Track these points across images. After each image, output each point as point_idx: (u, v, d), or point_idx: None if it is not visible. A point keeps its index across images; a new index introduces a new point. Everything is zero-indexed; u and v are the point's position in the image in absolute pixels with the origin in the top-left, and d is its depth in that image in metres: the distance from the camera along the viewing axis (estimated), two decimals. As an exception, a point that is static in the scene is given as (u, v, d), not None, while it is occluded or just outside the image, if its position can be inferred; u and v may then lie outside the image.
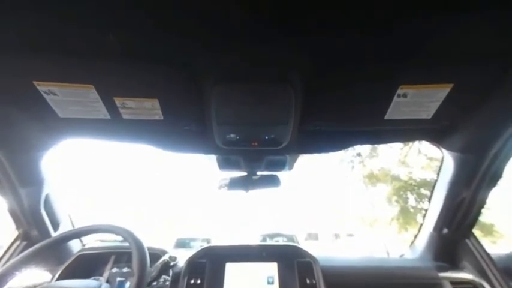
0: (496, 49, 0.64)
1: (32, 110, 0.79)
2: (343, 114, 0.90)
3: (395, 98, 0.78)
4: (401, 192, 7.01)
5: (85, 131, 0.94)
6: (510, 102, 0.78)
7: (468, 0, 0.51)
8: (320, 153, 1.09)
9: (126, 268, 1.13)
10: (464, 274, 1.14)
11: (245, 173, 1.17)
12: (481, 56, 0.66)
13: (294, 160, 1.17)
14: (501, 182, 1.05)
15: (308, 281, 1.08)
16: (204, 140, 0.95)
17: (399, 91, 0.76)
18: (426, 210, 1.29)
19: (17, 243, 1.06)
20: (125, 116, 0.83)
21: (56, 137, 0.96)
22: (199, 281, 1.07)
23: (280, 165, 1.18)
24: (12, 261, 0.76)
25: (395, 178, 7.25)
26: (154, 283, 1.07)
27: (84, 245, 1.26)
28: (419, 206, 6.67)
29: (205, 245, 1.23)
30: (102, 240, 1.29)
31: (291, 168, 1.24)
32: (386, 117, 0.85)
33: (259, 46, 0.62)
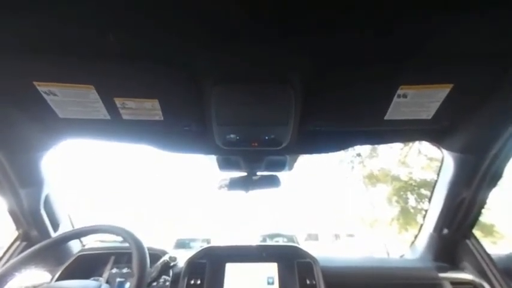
0: (496, 49, 0.64)
1: (32, 110, 0.79)
2: (343, 114, 0.90)
3: (395, 98, 0.78)
4: (402, 193, 7.01)
5: (85, 132, 0.94)
6: (510, 102, 0.78)
7: (468, 0, 0.51)
8: (320, 153, 1.08)
9: (126, 268, 1.13)
10: (464, 274, 1.14)
11: (245, 173, 1.17)
12: (481, 56, 0.66)
13: (294, 160, 1.17)
14: (501, 182, 1.05)
15: (308, 282, 1.08)
16: (204, 140, 0.95)
17: (399, 91, 0.76)
18: (426, 211, 1.29)
19: (17, 243, 1.06)
20: (125, 117, 0.83)
21: (56, 138, 0.96)
22: (199, 282, 1.07)
23: (280, 166, 1.18)
24: (11, 261, 0.76)
25: (396, 178, 7.25)
26: (154, 283, 1.07)
27: (84, 246, 1.25)
28: (419, 207, 6.66)
29: (205, 245, 1.23)
30: (102, 241, 1.29)
31: (291, 168, 1.24)
32: (386, 118, 0.85)
33: (259, 46, 0.62)
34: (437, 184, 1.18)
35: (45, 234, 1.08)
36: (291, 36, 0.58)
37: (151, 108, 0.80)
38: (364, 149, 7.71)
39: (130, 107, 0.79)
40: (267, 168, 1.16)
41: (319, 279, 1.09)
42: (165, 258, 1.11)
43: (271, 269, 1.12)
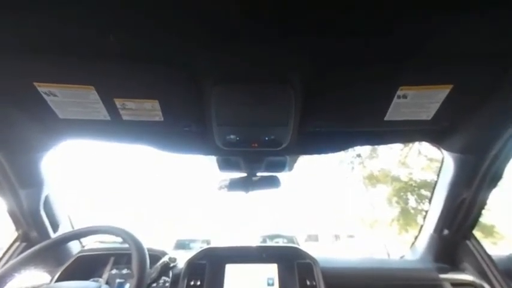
0: (496, 49, 0.64)
1: (32, 111, 0.79)
2: (343, 115, 0.90)
3: (395, 99, 0.78)
4: (402, 193, 7.00)
5: (85, 132, 0.94)
6: (510, 102, 0.78)
7: (468, 0, 0.51)
8: (320, 154, 1.08)
9: (125, 269, 1.12)
10: (464, 275, 1.13)
11: (245, 174, 1.17)
12: (481, 57, 0.66)
13: (294, 161, 1.17)
14: (501, 183, 1.05)
15: (308, 283, 1.08)
16: (204, 141, 0.95)
17: (399, 92, 0.76)
18: (426, 212, 1.28)
19: (17, 244, 1.06)
20: (125, 117, 0.82)
21: (56, 138, 0.96)
22: (199, 283, 1.07)
23: (280, 166, 1.18)
24: (11, 262, 0.75)
25: (396, 179, 7.24)
26: (154, 284, 1.06)
27: (83, 246, 1.25)
28: (419, 207, 6.66)
29: (205, 246, 1.23)
30: (101, 242, 1.28)
31: (291, 169, 1.24)
32: (386, 118, 0.85)
33: (259, 46, 0.62)
34: (437, 185, 1.18)
35: (45, 235, 1.08)
36: (291, 36, 0.58)
37: (151, 109, 0.80)
38: (364, 149, 7.70)
39: (130, 108, 0.79)
40: (267, 169, 1.16)
41: (319, 280, 1.08)
42: (165, 259, 1.10)
43: (271, 270, 1.12)
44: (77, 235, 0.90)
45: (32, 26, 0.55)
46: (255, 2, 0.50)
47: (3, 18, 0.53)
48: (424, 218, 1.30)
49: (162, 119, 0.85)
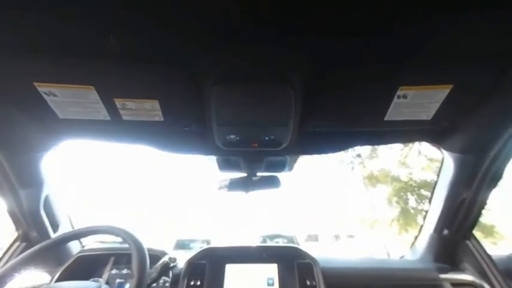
0: (496, 49, 0.64)
1: (32, 111, 0.79)
2: (343, 115, 0.90)
3: (395, 99, 0.78)
4: (402, 193, 7.00)
5: (85, 132, 0.94)
6: (510, 102, 0.78)
7: (468, 0, 0.51)
8: (320, 154, 1.08)
9: (125, 269, 1.12)
10: (464, 275, 1.13)
11: (245, 174, 1.17)
12: (481, 57, 0.66)
13: (294, 161, 1.17)
14: (501, 183, 1.05)
15: (308, 283, 1.08)
16: (204, 141, 0.95)
17: (399, 92, 0.76)
18: (426, 211, 1.28)
19: (17, 244, 1.06)
20: (125, 117, 0.83)
21: (56, 138, 0.96)
22: (199, 283, 1.07)
23: (280, 166, 1.18)
24: (11, 262, 0.75)
25: (396, 179, 7.24)
26: (154, 284, 1.06)
27: (83, 246, 1.25)
28: (419, 207, 6.66)
29: (205, 246, 1.23)
30: (101, 242, 1.28)
31: (291, 169, 1.24)
32: (386, 118, 0.85)
33: (259, 46, 0.62)
34: (437, 185, 1.18)
35: (45, 235, 1.08)
36: (291, 36, 0.58)
37: (151, 109, 0.80)
38: (364, 149, 7.70)
39: (131, 108, 0.79)
40: (267, 169, 1.16)
41: (319, 280, 1.08)
42: (165, 259, 1.10)
43: (271, 270, 1.12)
44: (77, 235, 0.90)
45: (32, 26, 0.55)
46: (255, 2, 0.50)
47: (3, 18, 0.53)
48: (424, 218, 1.30)
49: (162, 119, 0.85)
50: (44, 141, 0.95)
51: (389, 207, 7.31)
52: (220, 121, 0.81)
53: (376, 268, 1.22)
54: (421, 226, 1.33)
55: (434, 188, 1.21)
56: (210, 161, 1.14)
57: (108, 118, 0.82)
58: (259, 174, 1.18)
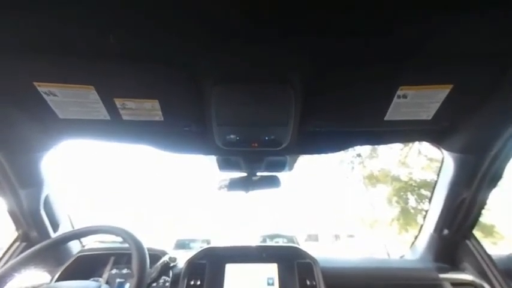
0: (496, 49, 0.64)
1: (32, 111, 0.79)
2: (343, 115, 0.90)
3: (395, 99, 0.78)
4: (402, 193, 7.00)
5: (85, 132, 0.94)
6: (510, 102, 0.78)
7: (468, 0, 0.51)
8: (320, 154, 1.08)
9: (125, 269, 1.12)
10: (464, 275, 1.14)
11: (245, 174, 1.17)
12: (481, 57, 0.66)
13: (294, 161, 1.17)
14: (501, 183, 1.05)
15: (308, 282, 1.08)
16: (204, 140, 0.95)
17: (399, 92, 0.76)
18: (426, 211, 1.29)
19: (17, 244, 1.06)
20: (125, 117, 0.82)
21: (56, 138, 0.96)
22: (199, 282, 1.07)
23: (280, 166, 1.18)
24: (11, 262, 0.76)
25: (396, 179, 7.24)
26: (154, 284, 1.06)
27: (83, 246, 1.25)
28: (419, 207, 6.66)
29: (205, 246, 1.23)
30: (101, 241, 1.28)
31: (291, 169, 1.24)
32: (386, 118, 0.85)
33: (259, 46, 0.62)
34: (437, 184, 1.18)
35: (45, 234, 1.08)
36: (291, 36, 0.58)
37: (151, 109, 0.80)
38: (364, 149, 7.71)
39: (130, 108, 0.79)
40: (267, 169, 1.16)
41: (319, 280, 1.08)
42: (165, 258, 1.11)
43: (271, 270, 1.12)
44: (77, 235, 0.90)
45: (32, 25, 0.55)
46: (255, 2, 0.50)
47: (3, 18, 0.53)
48: (424, 217, 1.30)
49: (162, 119, 0.85)
50: (44, 141, 0.95)
51: (389, 207, 7.31)
52: (220, 121, 0.81)
53: (376, 268, 1.22)
54: (421, 226, 1.33)
55: (434, 187, 1.21)
56: (210, 161, 1.14)
57: (108, 118, 0.82)
58: (259, 174, 1.18)
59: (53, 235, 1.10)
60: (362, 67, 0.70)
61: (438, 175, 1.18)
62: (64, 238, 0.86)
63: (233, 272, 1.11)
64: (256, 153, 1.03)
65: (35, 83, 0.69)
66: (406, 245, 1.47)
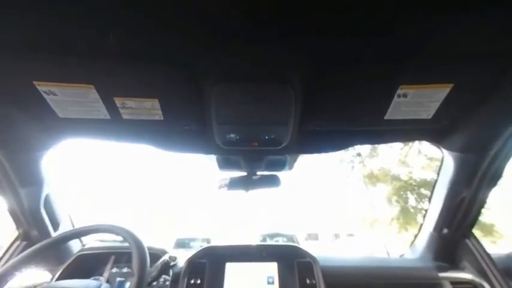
0: (496, 49, 0.64)
1: (31, 110, 0.79)
2: (343, 114, 0.90)
3: (395, 98, 0.78)
4: (402, 192, 7.02)
5: (85, 131, 0.94)
6: (510, 102, 0.78)
7: (468, 0, 0.51)
8: (320, 153, 1.08)
9: (126, 268, 1.13)
10: (464, 274, 1.14)
11: (245, 173, 1.17)
12: (481, 56, 0.66)
13: (294, 160, 1.17)
14: (501, 182, 1.05)
15: (308, 281, 1.08)
16: (204, 140, 0.95)
17: (399, 91, 0.76)
18: (426, 210, 1.29)
19: (17, 243, 1.06)
20: (125, 116, 0.82)
21: (55, 137, 0.96)
22: (199, 281, 1.07)
23: (280, 165, 1.18)
24: (12, 261, 0.76)
25: (396, 178, 7.25)
26: (155, 283, 1.07)
27: (84, 245, 1.26)
28: (419, 206, 6.67)
29: (205, 245, 1.23)
30: (102, 240, 1.29)
31: (291, 168, 1.24)
32: (386, 117, 0.85)
33: (259, 46, 0.62)
34: (437, 184, 1.18)
35: (45, 233, 1.08)
36: (290, 36, 0.58)
37: (151, 108, 0.80)
38: (364, 148, 7.72)
39: (130, 107, 0.79)
40: (267, 168, 1.16)
41: (319, 279, 1.09)
42: (165, 257, 1.11)
43: (271, 269, 1.13)
44: (78, 234, 0.90)
45: (31, 25, 0.55)
46: (255, 2, 0.50)
47: (3, 18, 0.53)
48: (424, 216, 1.30)
49: (162, 118, 0.85)
50: (43, 140, 0.95)
51: (389, 206, 7.33)
52: (220, 120, 0.81)
53: (376, 267, 1.22)
54: (421, 225, 1.33)
55: (434, 187, 1.21)
56: (210, 160, 1.14)
57: (108, 117, 0.82)
58: (259, 173, 1.18)
59: (54, 234, 1.11)
60: (362, 67, 0.70)
61: (438, 174, 1.18)
62: (64, 237, 0.86)
63: (233, 271, 1.12)
64: (256, 152, 1.03)
65: (35, 82, 0.69)
66: (406, 244, 1.47)
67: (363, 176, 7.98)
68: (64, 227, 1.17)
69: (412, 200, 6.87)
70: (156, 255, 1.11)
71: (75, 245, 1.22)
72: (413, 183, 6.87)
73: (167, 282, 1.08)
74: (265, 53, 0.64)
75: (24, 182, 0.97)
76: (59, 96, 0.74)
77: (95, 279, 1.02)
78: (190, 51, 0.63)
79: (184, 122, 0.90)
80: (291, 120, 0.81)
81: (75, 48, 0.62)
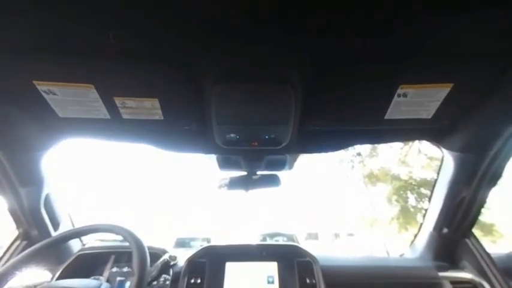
0: (496, 49, 0.64)
1: (31, 109, 0.79)
2: (343, 114, 0.90)
3: (395, 98, 0.78)
4: (401, 192, 7.02)
5: (85, 131, 0.94)
6: (510, 102, 0.78)
7: (468, 0, 0.51)
8: (320, 152, 1.08)
9: (126, 268, 1.13)
10: (464, 274, 1.14)
11: (245, 173, 1.17)
12: (481, 56, 0.66)
13: (294, 160, 1.17)
14: (501, 182, 1.05)
15: (308, 281, 1.09)
16: (204, 139, 0.95)
17: (399, 91, 0.76)
18: (426, 210, 1.29)
19: (17, 242, 1.06)
20: (124, 116, 0.82)
21: (55, 137, 0.96)
22: (199, 281, 1.07)
23: (280, 165, 1.18)
24: (12, 260, 0.76)
25: (396, 178, 7.26)
26: (155, 282, 1.07)
27: (84, 245, 1.26)
28: (419, 206, 6.68)
29: (205, 244, 1.24)
30: (102, 240, 1.29)
31: (291, 167, 1.24)
32: (386, 117, 0.85)
33: (259, 46, 0.62)
34: (437, 183, 1.18)
35: (46, 233, 1.08)
36: (291, 35, 0.58)
37: (151, 108, 0.80)
38: (364, 148, 7.72)
39: (130, 106, 0.79)
40: (267, 168, 1.16)
41: (319, 278, 1.09)
42: (165, 257, 1.11)
43: (271, 268, 1.13)
44: (78, 233, 0.90)
45: (32, 24, 0.55)
46: (255, 1, 0.50)
47: (3, 17, 0.53)
48: (424, 216, 1.30)
49: (162, 118, 0.85)
50: (43, 140, 0.95)
51: (389, 205, 7.33)
52: (220, 120, 0.81)
53: (376, 266, 1.22)
54: (421, 224, 1.33)
55: (434, 186, 1.21)
56: (210, 160, 1.14)
57: (108, 117, 0.82)
58: (259, 172, 1.18)
59: (54, 234, 1.11)
60: (362, 66, 0.70)
61: (438, 174, 1.18)
62: (65, 237, 0.86)
63: (233, 271, 1.12)
64: (256, 152, 1.03)
65: (35, 82, 0.69)
66: (406, 243, 1.47)
67: (363, 175, 7.98)
68: (64, 227, 1.17)
69: (412, 199, 6.88)
70: (156, 254, 1.11)
71: (75, 245, 1.22)
72: (413, 183, 6.87)
73: (167, 282, 1.08)
74: (265, 53, 0.64)
75: (24, 181, 0.97)
76: (59, 95, 0.74)
77: (95, 278, 1.02)
78: (190, 51, 0.63)
79: (184, 121, 0.90)
80: (291, 120, 0.81)
81: (75, 47, 0.62)
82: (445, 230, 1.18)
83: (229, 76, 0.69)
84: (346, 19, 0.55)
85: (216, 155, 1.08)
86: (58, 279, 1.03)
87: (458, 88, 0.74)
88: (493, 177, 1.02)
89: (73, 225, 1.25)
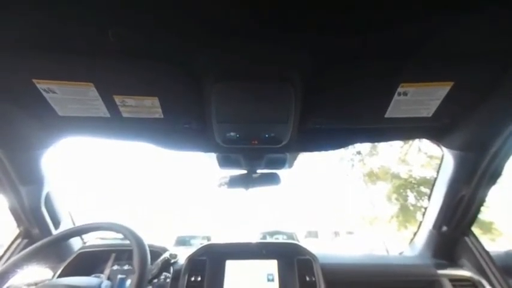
0: (496, 48, 0.64)
1: (31, 108, 0.79)
2: (343, 112, 0.89)
3: (395, 96, 0.78)
4: (401, 190, 7.02)
5: (85, 129, 0.94)
6: (510, 100, 0.78)
7: (468, 0, 0.51)
8: (320, 151, 1.09)
9: (127, 265, 1.13)
10: (463, 271, 1.14)
11: (245, 171, 1.17)
12: (481, 55, 0.66)
13: (294, 158, 1.17)
14: (501, 180, 1.05)
15: (308, 279, 1.09)
16: (204, 138, 0.95)
17: (399, 89, 0.76)
18: (426, 208, 1.29)
19: (18, 241, 1.07)
20: (124, 114, 0.82)
21: (55, 136, 0.96)
22: (199, 279, 1.08)
23: (280, 163, 1.18)
24: (13, 258, 0.76)
25: (395, 176, 7.26)
26: (155, 280, 1.07)
27: (84, 243, 1.26)
28: (419, 204, 6.69)
29: (205, 242, 1.24)
30: (102, 238, 1.29)
31: (291, 166, 1.24)
32: (386, 115, 0.85)
33: (259, 44, 0.61)
34: (436, 182, 1.19)
35: (46, 231, 1.08)
36: (290, 34, 0.58)
37: (151, 106, 0.80)
38: (364, 146, 7.71)
39: (130, 105, 0.79)
40: (267, 166, 1.16)
41: (319, 276, 1.09)
42: (166, 255, 1.11)
43: (271, 266, 1.13)
44: (79, 232, 0.91)
45: (31, 23, 0.55)
46: (255, 0, 0.50)
47: (3, 16, 0.53)
48: (423, 214, 1.30)
49: (162, 116, 0.84)
50: (43, 139, 0.95)
51: (388, 204, 7.34)
52: (221, 118, 0.81)
53: (375, 264, 1.23)
54: (420, 222, 1.34)
55: (433, 184, 1.21)
56: (210, 158, 1.14)
57: (108, 115, 0.82)
58: (259, 171, 1.18)
59: (54, 232, 1.11)
60: (362, 65, 0.70)
61: (438, 172, 1.18)
62: (65, 235, 0.86)
63: (233, 269, 1.12)
64: (256, 150, 1.03)
65: (34, 80, 0.69)
66: (405, 241, 1.48)
67: (363, 174, 7.99)
68: (65, 225, 1.18)
69: (411, 198, 6.89)
70: (156, 252, 1.12)
71: (76, 243, 1.23)
72: (413, 181, 6.87)
73: (168, 280, 1.08)
74: (265, 51, 0.64)
75: (25, 180, 0.98)
76: (59, 94, 0.74)
77: (96, 276, 1.03)
78: (191, 50, 0.63)
79: (184, 120, 0.90)
80: (291, 118, 0.81)
81: (75, 46, 0.62)
82: (445, 228, 1.18)
83: (229, 74, 0.69)
84: (346, 17, 0.55)
85: (216, 154, 1.08)
86: (59, 277, 1.04)
87: (458, 86, 0.74)
88: (493, 176, 1.03)
89: (74, 224, 1.25)
